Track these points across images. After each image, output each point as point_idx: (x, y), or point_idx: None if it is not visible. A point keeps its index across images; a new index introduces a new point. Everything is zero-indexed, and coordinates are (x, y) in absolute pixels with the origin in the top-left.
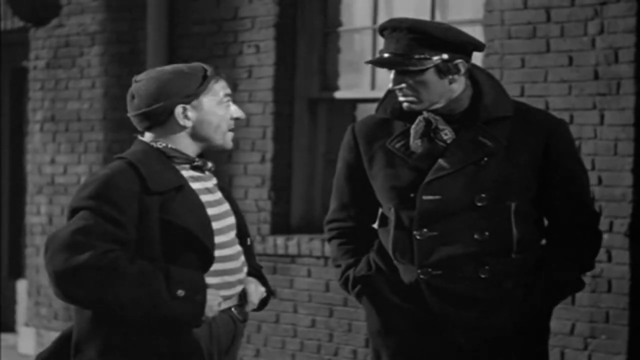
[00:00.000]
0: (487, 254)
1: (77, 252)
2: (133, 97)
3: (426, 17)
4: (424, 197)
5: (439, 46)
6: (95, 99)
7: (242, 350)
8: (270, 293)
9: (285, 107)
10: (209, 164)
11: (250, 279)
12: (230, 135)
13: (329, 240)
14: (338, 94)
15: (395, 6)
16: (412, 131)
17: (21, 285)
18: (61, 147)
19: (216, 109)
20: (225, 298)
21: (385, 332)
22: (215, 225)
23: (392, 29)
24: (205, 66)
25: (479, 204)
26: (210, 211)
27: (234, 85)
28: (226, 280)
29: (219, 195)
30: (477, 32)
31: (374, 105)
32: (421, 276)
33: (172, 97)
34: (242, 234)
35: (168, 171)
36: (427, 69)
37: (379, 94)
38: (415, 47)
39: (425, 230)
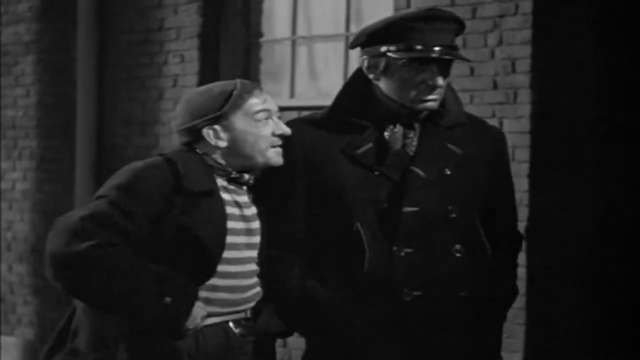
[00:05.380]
0: (466, 270)
1: (78, 238)
2: (175, 116)
3: (341, 27)
4: (405, 210)
5: None
6: (29, 107)
7: None
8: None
9: None
10: (246, 177)
11: (270, 304)
12: (273, 151)
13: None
14: None
15: (313, 17)
16: (390, 138)
17: None
18: None
19: (250, 127)
20: (217, 314)
21: None
22: (231, 239)
23: (442, 19)
24: (239, 83)
25: (452, 215)
26: (231, 224)
27: (159, 94)
28: (221, 297)
29: (250, 211)
30: None
31: (294, 113)
32: (406, 298)
33: (197, 119)
34: (261, 255)
35: (203, 174)
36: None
37: (298, 102)
38: (454, 39)
39: (405, 246)
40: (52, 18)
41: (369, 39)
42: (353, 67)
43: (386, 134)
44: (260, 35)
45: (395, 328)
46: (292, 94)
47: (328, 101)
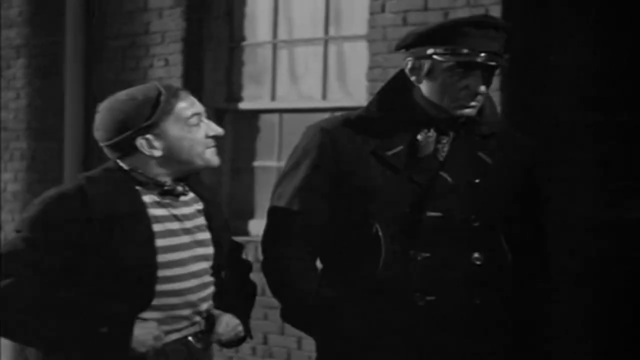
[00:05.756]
0: (483, 278)
1: None
2: (97, 129)
3: (320, 31)
4: (428, 214)
5: None
6: (19, 110)
7: None
8: (247, 333)
9: None
10: (179, 189)
11: (225, 313)
12: (209, 152)
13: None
14: (242, 105)
15: (294, 21)
16: (422, 142)
17: None
18: None
19: (183, 132)
20: (172, 331)
21: None
22: (167, 257)
23: (496, 27)
24: (163, 87)
25: (475, 224)
26: (166, 242)
27: None
28: (171, 315)
29: (194, 222)
30: (361, 47)
31: (274, 116)
32: (419, 302)
33: (128, 130)
34: (216, 266)
35: (123, 196)
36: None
37: (279, 104)
38: (502, 47)
39: (422, 250)
40: (41, 23)
41: (417, 40)
42: (332, 70)
43: (419, 137)
44: (243, 38)
45: (406, 331)
46: (273, 97)
47: (308, 104)
